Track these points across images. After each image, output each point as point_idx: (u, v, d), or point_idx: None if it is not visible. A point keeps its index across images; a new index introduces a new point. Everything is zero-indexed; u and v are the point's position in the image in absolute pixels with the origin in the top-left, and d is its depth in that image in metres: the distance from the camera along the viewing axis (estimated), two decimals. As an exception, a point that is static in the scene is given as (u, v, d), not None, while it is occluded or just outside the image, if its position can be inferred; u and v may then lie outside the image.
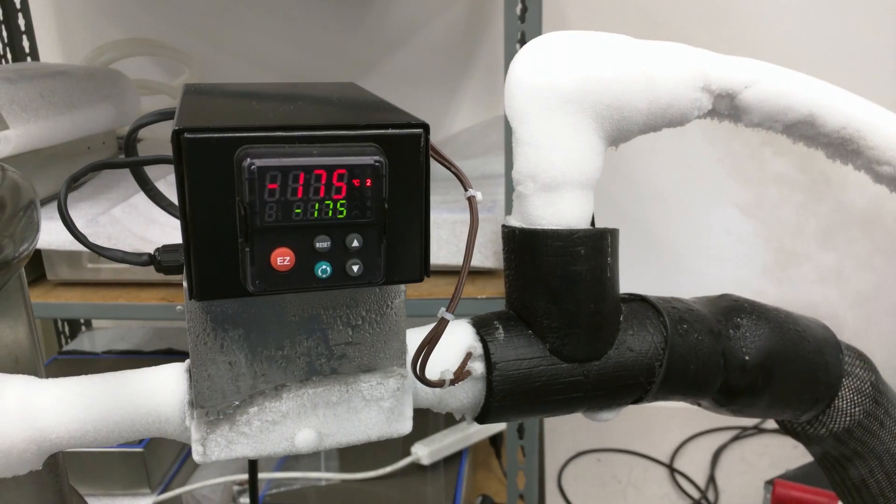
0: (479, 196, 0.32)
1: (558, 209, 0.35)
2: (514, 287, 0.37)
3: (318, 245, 0.25)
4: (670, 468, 1.17)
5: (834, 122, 0.38)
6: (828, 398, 0.41)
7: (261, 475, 0.93)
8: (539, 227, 0.35)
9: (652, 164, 1.31)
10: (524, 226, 0.36)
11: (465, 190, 0.32)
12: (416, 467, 0.93)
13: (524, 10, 0.75)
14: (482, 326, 0.36)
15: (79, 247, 0.82)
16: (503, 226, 0.37)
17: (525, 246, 0.35)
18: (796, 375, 0.39)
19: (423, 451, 0.93)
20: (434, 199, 0.85)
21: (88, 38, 1.27)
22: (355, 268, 0.26)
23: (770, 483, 0.88)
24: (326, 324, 0.31)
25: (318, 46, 1.29)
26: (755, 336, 0.38)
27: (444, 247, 0.82)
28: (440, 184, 0.80)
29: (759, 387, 0.38)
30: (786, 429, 0.44)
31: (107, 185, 0.95)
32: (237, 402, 0.31)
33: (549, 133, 0.35)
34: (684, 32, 1.24)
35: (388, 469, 0.92)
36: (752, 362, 0.38)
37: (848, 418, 0.41)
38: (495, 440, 1.08)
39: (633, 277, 1.37)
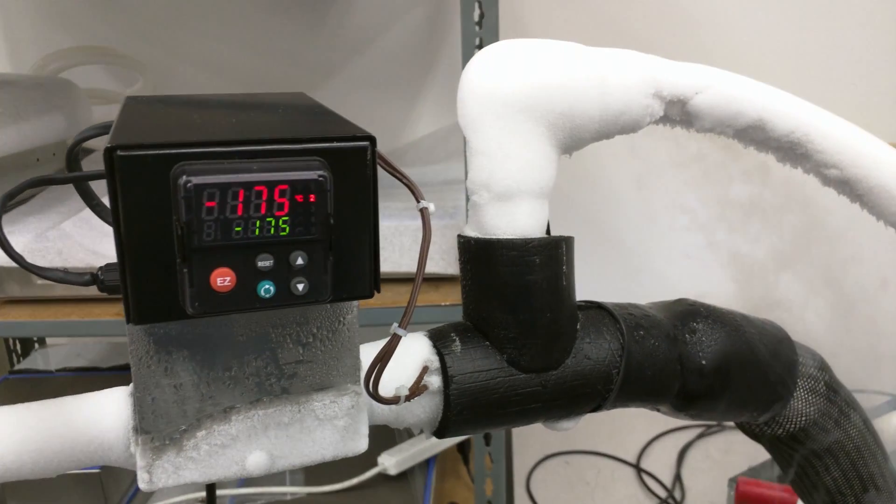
0: (431, 207, 0.32)
1: (513, 218, 0.35)
2: (470, 297, 0.36)
3: (260, 264, 0.24)
4: (637, 468, 1.18)
5: (783, 127, 0.38)
6: (784, 399, 0.41)
7: (224, 491, 0.91)
8: (494, 237, 0.35)
9: (612, 167, 1.32)
10: (479, 235, 0.35)
11: (418, 201, 0.31)
12: (384, 478, 0.92)
13: (481, 15, 0.75)
14: (439, 339, 0.35)
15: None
16: (459, 236, 0.37)
17: (480, 256, 0.35)
18: (753, 378, 0.40)
19: (390, 461, 0.92)
20: (396, 205, 0.85)
21: (36, 47, 1.23)
22: (300, 286, 0.25)
23: (734, 481, 0.89)
24: (276, 342, 0.30)
25: (277, 52, 1.27)
26: (711, 340, 0.38)
27: (407, 254, 0.81)
28: (402, 190, 0.80)
29: (717, 391, 0.39)
30: (744, 430, 0.45)
31: (57, 198, 0.92)
32: (184, 427, 0.30)
33: (502, 142, 0.34)
34: (644, 38, 1.26)
35: (355, 481, 0.91)
36: (708, 367, 0.38)
37: (803, 418, 0.42)
38: (463, 447, 1.07)
39: (596, 281, 1.38)
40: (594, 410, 0.37)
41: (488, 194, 0.35)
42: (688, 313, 0.39)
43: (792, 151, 0.39)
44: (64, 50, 1.14)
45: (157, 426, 0.29)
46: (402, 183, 0.32)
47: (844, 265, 1.33)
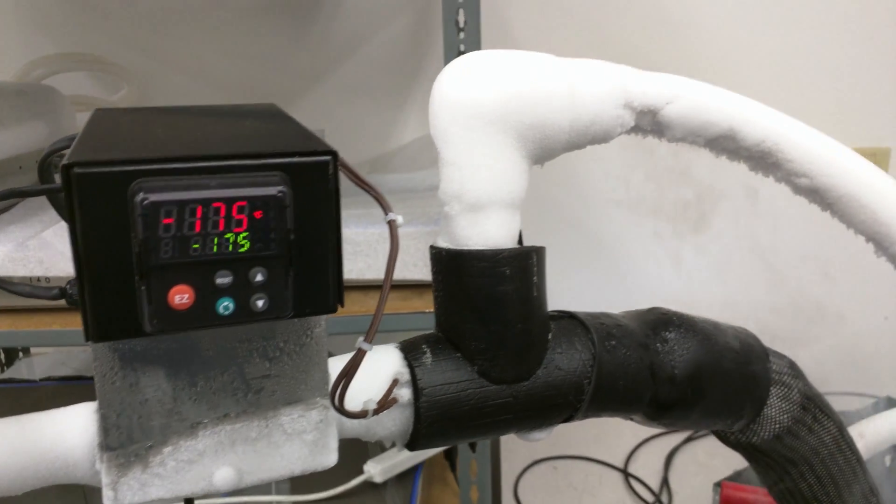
0: (399, 220, 0.32)
1: (484, 229, 0.35)
2: (442, 309, 0.36)
3: (218, 281, 0.24)
4: (625, 473, 1.18)
5: (753, 136, 0.38)
6: (757, 407, 0.41)
7: (208, 501, 0.90)
8: (465, 248, 0.35)
9: (599, 172, 1.33)
10: (451, 247, 0.35)
11: (385, 213, 0.31)
12: (370, 485, 0.92)
13: (465, 22, 0.75)
14: (410, 351, 0.35)
15: (4, 273, 0.78)
16: (431, 247, 0.37)
17: (452, 267, 0.35)
18: (725, 387, 0.40)
19: (376, 469, 0.91)
20: (379, 213, 0.85)
21: (20, 53, 1.22)
22: (260, 302, 0.25)
23: (718, 485, 0.89)
24: (242, 357, 0.30)
25: (263, 60, 1.27)
26: (683, 349, 0.38)
27: (390, 262, 0.81)
28: (386, 198, 0.79)
29: (689, 400, 0.39)
30: (720, 437, 0.45)
31: (39, 207, 0.91)
32: (150, 443, 0.30)
33: (473, 153, 0.34)
34: (629, 45, 1.26)
35: (341, 489, 0.90)
36: (680, 376, 0.38)
37: (777, 425, 0.42)
38: (450, 454, 1.07)
39: (581, 286, 1.38)
40: (566, 421, 0.37)
41: (459, 205, 0.35)
42: (660, 322, 0.39)
43: (763, 160, 0.39)
44: (48, 56, 1.14)
45: (122, 442, 0.29)
46: (370, 195, 0.32)
47: (827, 269, 1.34)
